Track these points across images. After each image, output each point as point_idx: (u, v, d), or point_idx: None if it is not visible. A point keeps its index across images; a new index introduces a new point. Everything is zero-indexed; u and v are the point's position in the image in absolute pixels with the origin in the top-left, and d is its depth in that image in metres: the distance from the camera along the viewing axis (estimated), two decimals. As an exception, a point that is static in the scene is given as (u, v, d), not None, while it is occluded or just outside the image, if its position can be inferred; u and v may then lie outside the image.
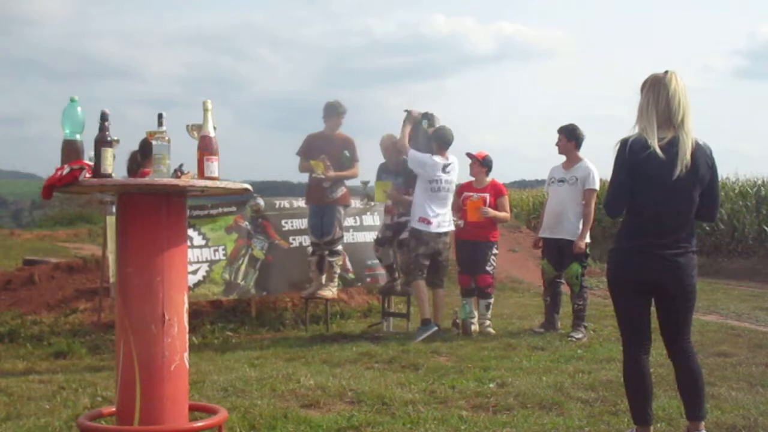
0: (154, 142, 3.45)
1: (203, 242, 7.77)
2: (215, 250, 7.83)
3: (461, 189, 7.81)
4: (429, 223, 7.20)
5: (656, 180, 3.49)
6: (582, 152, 7.41)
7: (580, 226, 7.21)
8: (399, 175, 7.77)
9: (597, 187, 7.27)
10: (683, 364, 3.66)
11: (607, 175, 3.77)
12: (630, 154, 3.51)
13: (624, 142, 3.55)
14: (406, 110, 7.50)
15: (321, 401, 4.70)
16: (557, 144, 7.40)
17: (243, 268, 7.92)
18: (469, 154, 7.71)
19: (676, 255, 3.54)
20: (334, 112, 7.73)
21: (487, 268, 7.49)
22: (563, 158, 7.45)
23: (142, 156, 6.08)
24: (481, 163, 7.67)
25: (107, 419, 3.78)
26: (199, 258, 7.61)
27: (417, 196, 7.27)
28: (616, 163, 3.60)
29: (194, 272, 7.49)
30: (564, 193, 7.29)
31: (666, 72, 3.56)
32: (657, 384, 3.96)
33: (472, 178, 7.78)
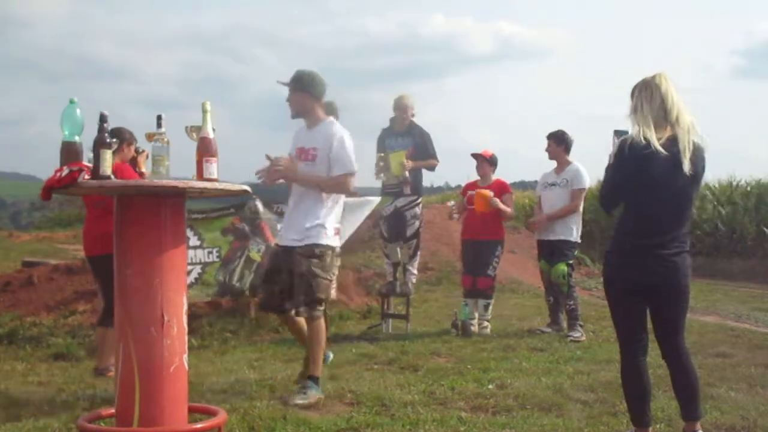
0: (153, 144, 3.46)
1: (198, 242, 7.76)
2: (209, 252, 7.82)
3: (466, 188, 7.81)
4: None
5: (657, 179, 3.50)
6: (576, 155, 7.58)
7: (573, 225, 7.32)
8: (402, 136, 7.63)
9: (585, 186, 7.46)
10: (678, 365, 3.66)
11: (602, 175, 3.78)
12: (630, 153, 3.52)
13: (624, 141, 3.57)
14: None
15: (320, 403, 4.69)
16: (547, 150, 7.58)
17: (239, 270, 7.91)
18: (475, 155, 7.70)
19: (673, 255, 3.55)
20: (329, 112, 7.70)
21: (488, 272, 7.50)
22: (555, 163, 7.60)
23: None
24: (489, 162, 7.68)
25: (106, 421, 3.79)
26: (193, 259, 7.60)
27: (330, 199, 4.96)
28: (616, 160, 3.61)
29: (187, 273, 7.51)
30: (556, 197, 7.45)
31: (655, 74, 3.60)
32: (656, 385, 3.97)
33: (477, 177, 7.80)
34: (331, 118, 5.04)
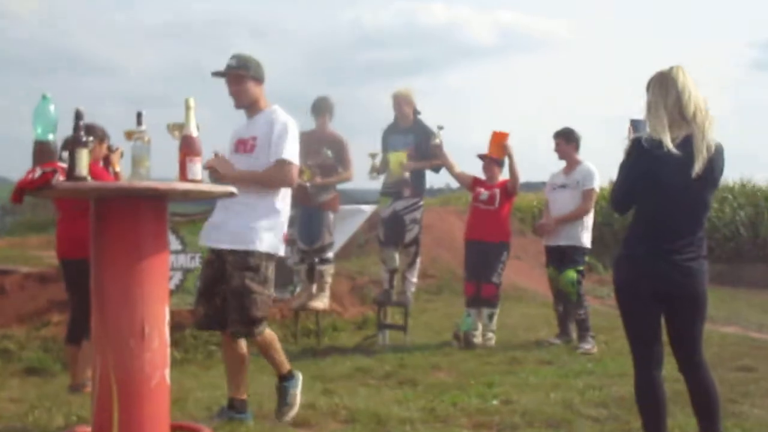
0: (133, 143, 3.46)
1: (180, 247, 7.77)
2: (192, 257, 7.83)
3: (475, 183, 7.77)
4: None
5: (670, 181, 3.51)
6: (584, 154, 7.65)
7: (583, 229, 7.35)
8: (405, 133, 7.68)
9: (596, 187, 7.51)
10: (696, 379, 3.66)
11: (615, 176, 3.80)
12: (642, 153, 3.53)
13: (636, 141, 3.58)
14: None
15: (312, 420, 4.69)
16: (556, 149, 7.63)
17: None
18: (481, 156, 7.69)
19: (688, 260, 3.56)
20: (323, 108, 7.72)
21: (493, 279, 7.49)
22: (563, 163, 7.66)
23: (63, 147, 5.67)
24: (497, 162, 7.67)
25: (82, 440, 3.79)
26: (174, 264, 7.60)
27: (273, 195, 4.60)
28: (628, 159, 3.62)
29: (169, 280, 7.53)
30: (566, 199, 7.48)
31: (671, 67, 3.60)
32: (673, 401, 3.96)
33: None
34: (275, 106, 4.67)
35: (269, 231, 4.46)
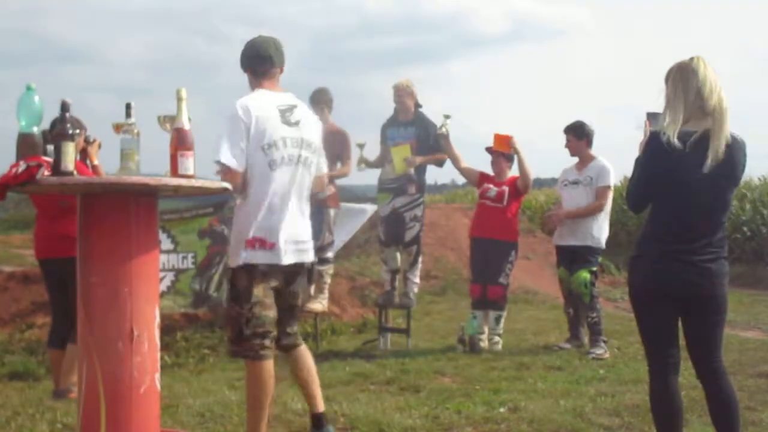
0: (121, 136, 3.46)
1: (171, 246, 7.78)
2: (183, 257, 7.83)
3: (482, 179, 7.75)
4: (268, 246, 4.12)
5: (688, 178, 3.51)
6: (598, 149, 7.63)
7: (596, 228, 7.35)
8: (406, 126, 7.69)
9: (611, 183, 7.49)
10: (714, 386, 3.66)
11: (630, 171, 3.79)
12: (660, 148, 3.52)
13: (654, 135, 3.58)
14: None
15: (309, 428, 4.69)
16: (567, 146, 7.62)
17: (216, 278, 7.92)
18: (490, 150, 7.66)
19: (707, 261, 3.55)
20: (322, 100, 7.72)
21: (501, 280, 7.50)
22: (575, 158, 7.65)
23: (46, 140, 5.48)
24: (506, 158, 7.66)
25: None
26: (165, 265, 7.61)
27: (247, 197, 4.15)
28: (644, 155, 3.62)
29: (159, 281, 7.54)
30: (578, 196, 7.45)
31: (692, 58, 3.59)
32: (689, 409, 3.97)
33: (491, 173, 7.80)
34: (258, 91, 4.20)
35: (238, 241, 4.10)
